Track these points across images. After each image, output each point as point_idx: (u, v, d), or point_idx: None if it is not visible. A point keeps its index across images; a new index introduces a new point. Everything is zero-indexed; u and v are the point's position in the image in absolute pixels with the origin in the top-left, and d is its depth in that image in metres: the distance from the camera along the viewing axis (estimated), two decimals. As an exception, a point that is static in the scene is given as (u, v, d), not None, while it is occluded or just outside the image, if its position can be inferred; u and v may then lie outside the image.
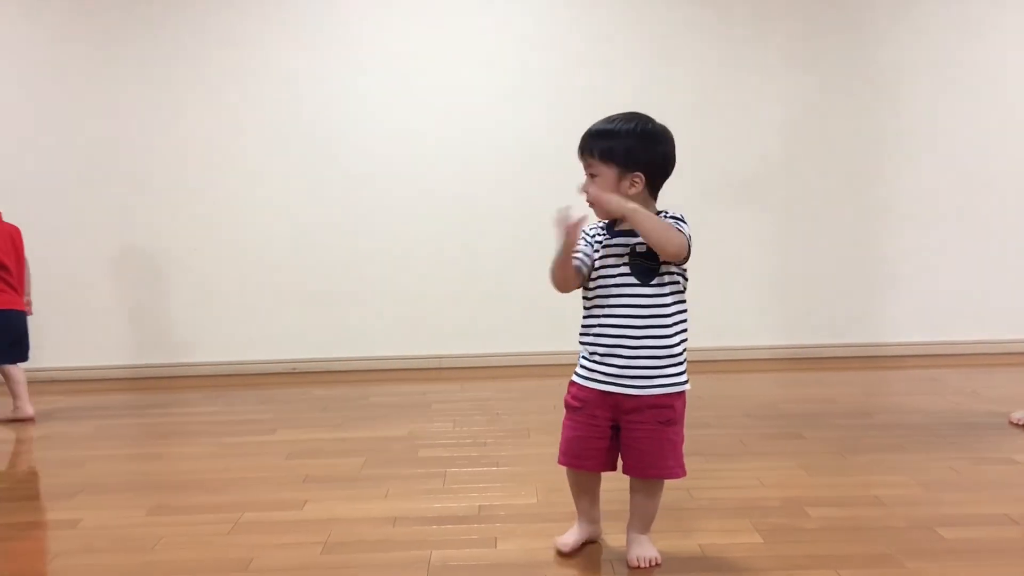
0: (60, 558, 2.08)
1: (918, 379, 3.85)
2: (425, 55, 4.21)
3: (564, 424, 2.00)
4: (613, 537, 2.08)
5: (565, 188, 4.10)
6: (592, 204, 1.90)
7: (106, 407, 3.69)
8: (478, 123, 4.24)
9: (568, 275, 1.93)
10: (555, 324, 4.24)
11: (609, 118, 1.92)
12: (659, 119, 1.93)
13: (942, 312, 4.36)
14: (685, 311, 1.93)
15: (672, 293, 1.89)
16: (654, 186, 1.92)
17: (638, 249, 1.87)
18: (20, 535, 2.24)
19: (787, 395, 3.56)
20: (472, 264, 4.28)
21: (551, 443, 2.86)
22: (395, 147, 4.23)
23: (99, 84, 4.16)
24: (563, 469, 2.01)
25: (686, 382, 1.91)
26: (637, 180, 1.87)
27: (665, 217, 1.87)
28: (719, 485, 2.45)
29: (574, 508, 2.10)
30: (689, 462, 2.24)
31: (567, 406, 1.99)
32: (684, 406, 1.94)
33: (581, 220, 1.85)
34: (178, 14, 4.14)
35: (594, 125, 1.92)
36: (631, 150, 1.87)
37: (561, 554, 2.01)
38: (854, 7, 4.24)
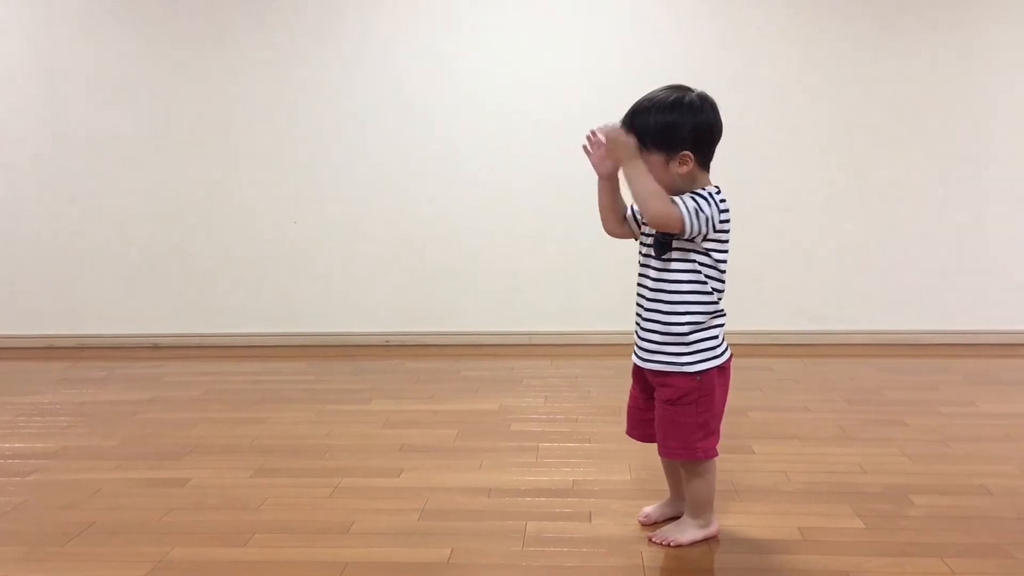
0: (171, 514, 2.17)
1: (1022, 368, 3.71)
2: (526, 31, 4.20)
3: None
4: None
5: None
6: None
7: (210, 372, 3.83)
8: (580, 103, 4.20)
9: (603, 211, 1.97)
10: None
11: (646, 97, 1.83)
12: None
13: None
14: (702, 295, 1.84)
15: (682, 271, 1.83)
16: (705, 158, 1.84)
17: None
18: (133, 491, 2.35)
19: (888, 381, 3.46)
20: (567, 242, 4.27)
21: (645, 421, 2.89)
22: (495, 123, 4.24)
23: (206, 60, 4.28)
24: (654, 447, 1.99)
25: (692, 364, 1.84)
26: (687, 158, 1.79)
27: (694, 192, 1.79)
28: (817, 469, 2.40)
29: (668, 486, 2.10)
30: (786, 445, 2.23)
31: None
32: (697, 388, 1.85)
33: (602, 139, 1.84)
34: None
35: (634, 105, 1.83)
36: (669, 130, 1.78)
37: (642, 524, 2.02)
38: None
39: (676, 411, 1.87)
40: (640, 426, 2.01)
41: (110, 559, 1.93)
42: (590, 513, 2.12)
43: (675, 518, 2.03)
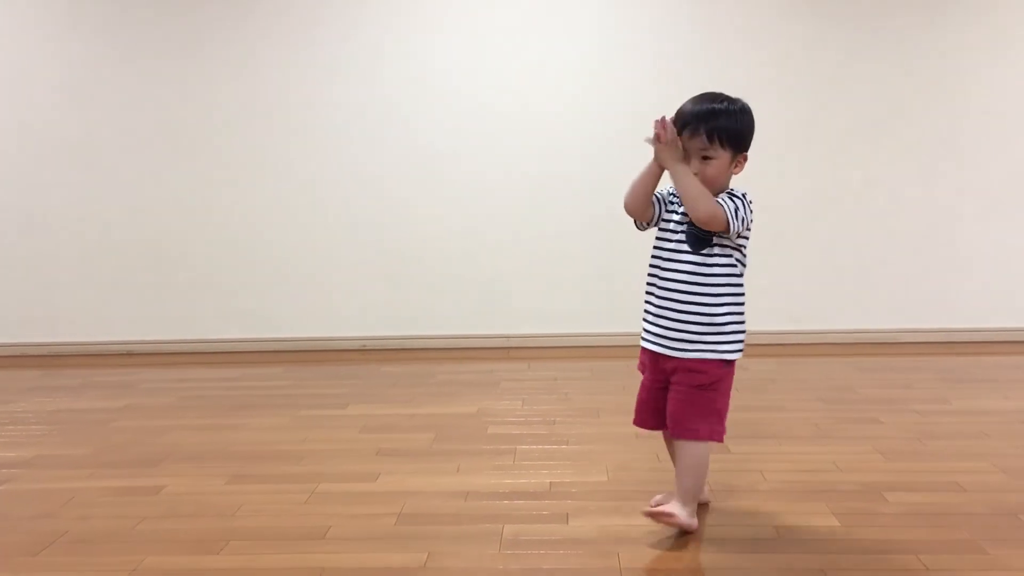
0: (145, 522, 2.15)
1: (998, 366, 3.74)
2: (501, 30, 4.20)
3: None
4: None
5: (635, 172, 4.11)
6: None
7: (185, 379, 3.80)
8: (555, 104, 4.21)
9: (639, 192, 1.96)
10: (622, 306, 4.24)
11: (708, 97, 1.92)
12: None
13: (1017, 297, 4.22)
14: (736, 286, 1.95)
15: (722, 266, 1.92)
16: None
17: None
18: (107, 500, 2.32)
19: (863, 379, 3.48)
20: (544, 245, 4.28)
21: (621, 423, 2.91)
22: (468, 126, 4.24)
23: (174, 64, 4.25)
24: (633, 447, 2.02)
25: (729, 352, 1.94)
26: (742, 160, 1.93)
27: (729, 192, 1.90)
28: (793, 468, 2.42)
29: (645, 487, 2.10)
30: (762, 444, 2.24)
31: (639, 369, 2.10)
32: (726, 375, 1.97)
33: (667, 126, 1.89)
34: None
35: (697, 105, 1.90)
36: (742, 132, 1.90)
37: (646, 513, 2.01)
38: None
39: (706, 396, 1.95)
40: (655, 416, 2.06)
41: (83, 568, 1.91)
42: (567, 515, 2.12)
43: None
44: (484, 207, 4.27)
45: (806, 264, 4.23)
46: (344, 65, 4.22)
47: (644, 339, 2.04)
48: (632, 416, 2.13)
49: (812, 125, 4.17)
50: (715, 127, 1.87)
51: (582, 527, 2.05)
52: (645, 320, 2.03)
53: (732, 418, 2.44)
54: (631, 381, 3.50)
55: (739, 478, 2.33)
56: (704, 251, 1.92)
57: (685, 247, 1.94)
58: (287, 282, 4.35)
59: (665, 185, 1.97)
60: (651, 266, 2.01)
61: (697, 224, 1.89)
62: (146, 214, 4.34)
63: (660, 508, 1.96)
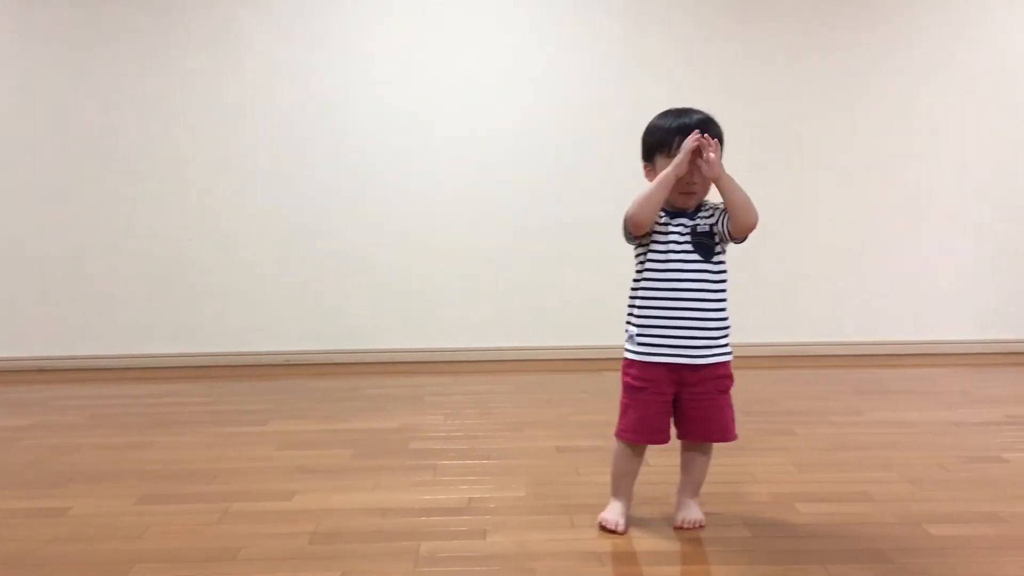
0: (48, 546, 2.07)
1: (910, 378, 3.85)
2: (429, 44, 4.20)
3: (629, 404, 2.10)
4: (598, 530, 2.09)
5: (564, 185, 4.15)
6: (696, 193, 2.02)
7: (99, 396, 3.69)
8: (487, 118, 4.22)
9: (655, 204, 1.99)
10: (549, 319, 4.27)
11: (688, 110, 2.03)
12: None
13: (935, 311, 4.36)
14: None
15: (725, 271, 2.07)
16: None
17: (699, 229, 2.02)
18: (9, 522, 2.23)
19: (782, 392, 3.56)
20: (469, 259, 4.28)
21: (543, 436, 2.92)
22: (393, 140, 4.22)
23: (92, 77, 4.15)
24: (553, 461, 2.02)
25: (731, 351, 2.10)
26: None
27: (718, 207, 2.03)
28: (711, 480, 2.41)
29: (565, 501, 2.11)
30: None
31: (632, 388, 2.08)
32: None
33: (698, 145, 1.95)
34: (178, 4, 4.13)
35: (689, 116, 2.01)
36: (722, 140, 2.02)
37: (618, 533, 2.06)
38: (857, 7, 4.23)
39: (727, 398, 2.10)
40: (665, 429, 2.10)
41: (-23, 596, 1.83)
42: (485, 531, 2.11)
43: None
44: (411, 220, 4.26)
45: (729, 279, 4.29)
46: (271, 71, 4.18)
47: (657, 354, 2.03)
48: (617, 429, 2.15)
49: (737, 144, 4.23)
50: (715, 135, 1.97)
51: (500, 543, 2.04)
52: (655, 336, 2.03)
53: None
54: (555, 395, 3.55)
55: (655, 491, 2.35)
56: (714, 259, 2.03)
57: (695, 256, 2.02)
58: (207, 295, 4.27)
59: None
60: (654, 280, 2.04)
61: (743, 232, 1.99)
62: (59, 227, 4.21)
63: (693, 522, 2.09)
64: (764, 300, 4.30)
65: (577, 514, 2.19)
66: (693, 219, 2.04)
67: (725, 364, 2.07)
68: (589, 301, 4.22)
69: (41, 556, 2.01)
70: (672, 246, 2.03)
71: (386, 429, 3.07)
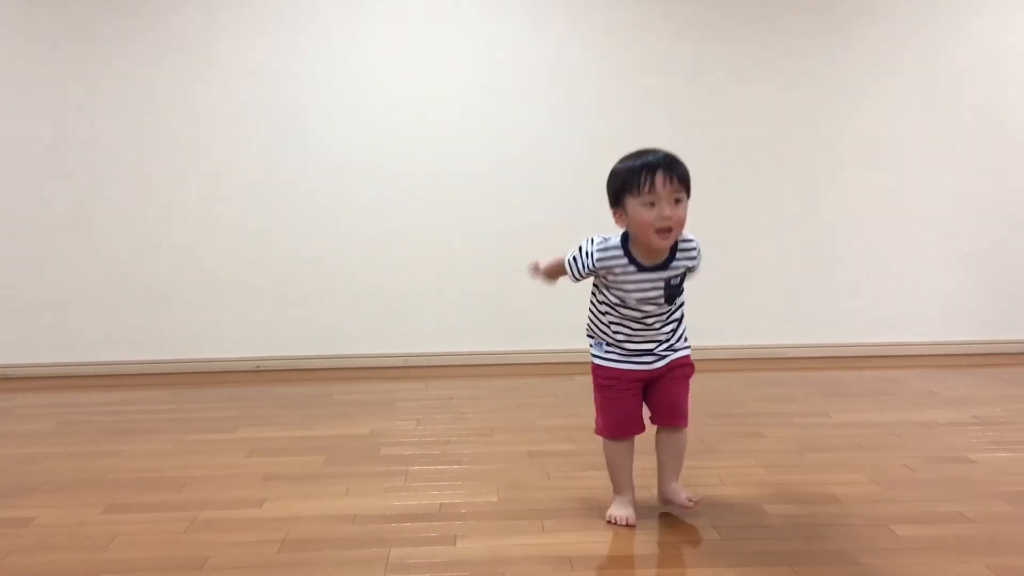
0: (12, 556, 2.04)
1: (876, 379, 3.89)
2: (397, 48, 4.19)
3: (604, 403, 2.19)
4: (574, 534, 2.09)
5: (535, 190, 4.17)
6: (672, 228, 2.01)
7: (65, 404, 3.64)
8: (451, 123, 4.22)
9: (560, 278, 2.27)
10: (521, 325, 4.27)
11: (653, 150, 2.06)
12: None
13: (900, 313, 4.42)
14: None
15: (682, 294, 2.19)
16: None
17: (672, 282, 2.10)
18: (-29, 533, 2.20)
19: (749, 394, 3.59)
20: (440, 264, 4.27)
21: (514, 441, 2.92)
22: (362, 146, 4.21)
23: (54, 79, 4.10)
24: (524, 466, 2.03)
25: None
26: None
27: (687, 240, 2.13)
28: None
29: (536, 505, 2.11)
30: (649, 460, 2.29)
31: (603, 387, 2.18)
32: None
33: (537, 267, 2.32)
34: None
35: (655, 155, 2.03)
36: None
37: (630, 527, 2.13)
38: (815, 8, 4.28)
39: (688, 385, 2.21)
40: (640, 419, 2.20)
41: (-62, 609, 1.80)
42: (455, 536, 2.11)
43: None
44: (380, 225, 4.24)
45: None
46: (237, 75, 4.15)
47: (623, 364, 2.15)
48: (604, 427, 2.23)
49: (698, 148, 4.26)
50: (682, 173, 2.03)
51: (470, 548, 2.04)
52: (623, 353, 2.15)
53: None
54: (528, 399, 3.55)
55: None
56: (676, 301, 2.15)
57: (663, 303, 2.11)
58: (175, 301, 4.22)
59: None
60: (622, 315, 2.12)
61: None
62: (23, 232, 4.15)
63: (691, 502, 2.16)
64: (729, 303, 4.33)
65: (548, 519, 2.20)
66: (665, 272, 2.09)
67: (686, 356, 2.19)
68: (559, 306, 4.21)
69: (4, 567, 1.98)
70: (644, 299, 2.09)
71: (357, 435, 3.05)
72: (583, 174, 4.12)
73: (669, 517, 2.21)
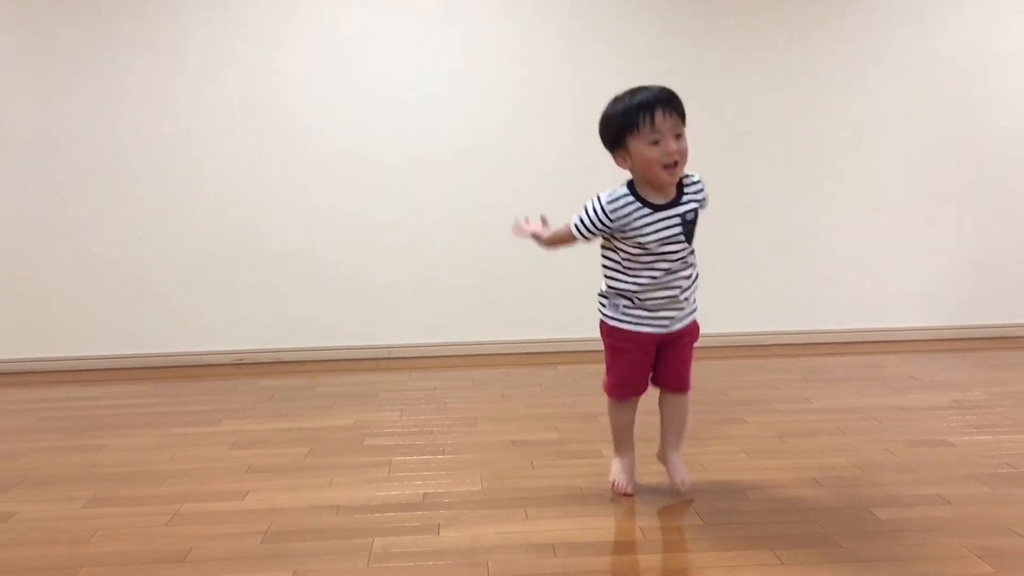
0: (-8, 552, 2.03)
1: (858, 365, 3.92)
2: (372, 40, 4.16)
3: (615, 363, 2.23)
4: (557, 522, 2.10)
5: (516, 183, 4.15)
6: (678, 162, 2.04)
7: (46, 399, 3.61)
8: (429, 114, 4.21)
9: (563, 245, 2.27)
10: (503, 315, 4.27)
11: (648, 86, 2.07)
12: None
13: (880, 299, 4.45)
14: None
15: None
16: None
17: (688, 217, 2.10)
18: (-49, 529, 2.18)
19: (731, 382, 3.60)
20: (422, 255, 4.26)
21: (498, 431, 2.92)
22: (344, 137, 4.19)
23: (31, 72, 4.05)
24: (508, 454, 2.03)
25: None
26: None
27: (690, 176, 2.16)
28: (662, 470, 2.45)
29: (519, 494, 2.13)
30: (636, 448, 2.29)
31: (616, 349, 2.21)
32: None
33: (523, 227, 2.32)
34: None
35: (653, 89, 2.05)
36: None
37: (628, 496, 2.22)
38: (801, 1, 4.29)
39: (692, 350, 2.27)
40: (646, 380, 2.25)
41: (-83, 605, 1.79)
42: (439, 525, 2.11)
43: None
44: (361, 217, 4.23)
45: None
46: (215, 68, 4.11)
47: (641, 326, 2.16)
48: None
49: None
50: (679, 106, 2.05)
51: (453, 537, 2.04)
52: (643, 315, 2.15)
53: (605, 423, 2.51)
54: (511, 389, 3.55)
55: (608, 480, 2.36)
56: (693, 241, 2.14)
57: (684, 243, 2.11)
58: (155, 295, 4.19)
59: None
60: (644, 269, 2.11)
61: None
62: (1, 227, 4.11)
63: (685, 483, 2.22)
64: (711, 290, 4.28)
65: (531, 507, 2.20)
66: (680, 204, 2.10)
67: (695, 321, 2.25)
68: (542, 296, 4.24)
69: (-16, 563, 1.97)
70: (665, 239, 2.08)
71: (340, 427, 3.05)
72: (565, 165, 4.14)
73: (652, 502, 2.22)
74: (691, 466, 2.48)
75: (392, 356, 4.27)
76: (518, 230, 2.32)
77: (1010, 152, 4.43)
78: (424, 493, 2.34)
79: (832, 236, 4.41)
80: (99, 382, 3.94)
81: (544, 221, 2.29)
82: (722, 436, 2.81)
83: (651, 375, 2.26)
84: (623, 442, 2.31)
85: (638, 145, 2.02)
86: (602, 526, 2.08)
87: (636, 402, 2.29)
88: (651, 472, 2.42)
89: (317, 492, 2.37)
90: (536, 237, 2.29)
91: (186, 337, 4.22)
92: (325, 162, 4.19)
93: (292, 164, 4.18)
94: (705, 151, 4.27)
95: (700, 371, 3.75)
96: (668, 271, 2.11)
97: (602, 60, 4.22)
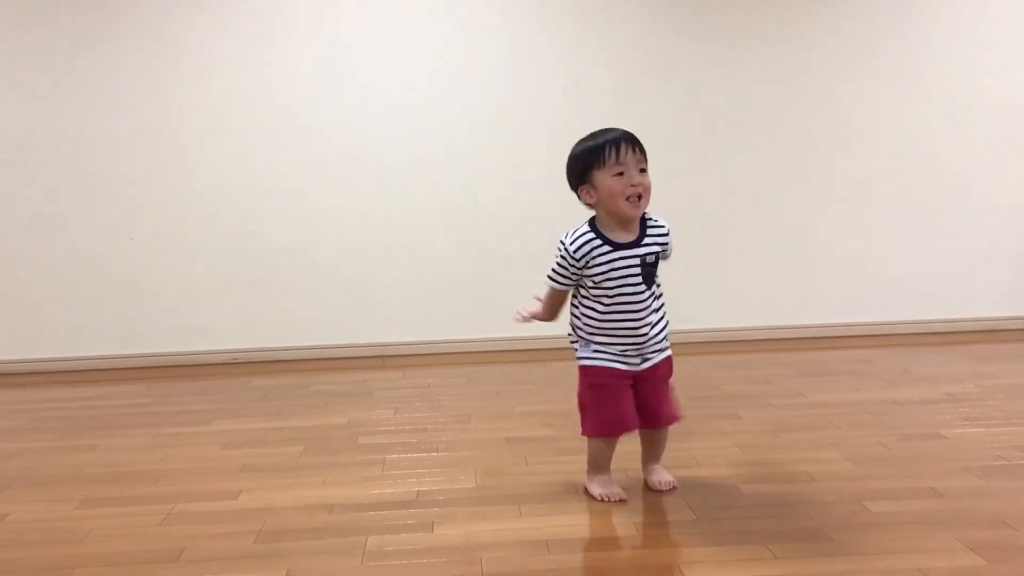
0: (-14, 553, 2.03)
1: (850, 359, 3.92)
2: (363, 40, 4.16)
3: (596, 403, 2.20)
4: (551, 518, 2.10)
5: (509, 181, 4.16)
6: (642, 195, 2.10)
7: (39, 400, 3.61)
8: (425, 113, 4.20)
9: (558, 310, 2.31)
10: (496, 312, 4.23)
11: (611, 128, 2.16)
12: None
13: (873, 293, 4.46)
14: None
15: (660, 283, 2.20)
16: None
17: (648, 260, 2.13)
18: (-56, 531, 2.18)
19: (725, 376, 3.61)
20: (415, 253, 4.25)
21: (492, 428, 2.92)
22: (334, 137, 4.18)
23: (22, 70, 4.04)
24: (502, 452, 2.05)
25: None
26: None
27: (656, 220, 2.21)
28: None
29: (513, 491, 2.14)
30: (628, 443, 2.30)
31: (598, 387, 2.18)
32: None
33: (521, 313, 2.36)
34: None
35: (618, 130, 2.14)
36: None
37: (622, 500, 2.20)
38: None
39: (670, 383, 2.28)
40: (634, 414, 2.20)
41: (-90, 608, 1.78)
42: (433, 523, 2.11)
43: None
44: (355, 216, 4.22)
45: (672, 267, 4.34)
46: (208, 66, 4.10)
47: (615, 363, 2.16)
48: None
49: (673, 133, 4.28)
50: (641, 146, 2.13)
51: (447, 535, 2.04)
52: (611, 353, 2.16)
53: (595, 419, 2.49)
54: (504, 386, 3.56)
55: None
56: (654, 285, 2.16)
57: (642, 286, 2.12)
58: (149, 294, 4.18)
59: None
60: (604, 309, 2.14)
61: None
62: (-7, 227, 4.10)
63: (667, 483, 2.26)
64: (704, 286, 4.35)
65: (525, 504, 2.21)
66: (640, 248, 2.12)
67: (668, 357, 2.24)
68: (535, 293, 4.23)
69: (-22, 565, 1.97)
70: (624, 279, 2.11)
71: (334, 425, 3.05)
72: (558, 162, 4.12)
73: (645, 499, 2.23)
74: (684, 461, 2.49)
75: (386, 354, 4.27)
76: (519, 319, 2.37)
77: (1000, 146, 4.44)
78: (418, 491, 2.34)
79: (823, 230, 4.42)
80: (92, 382, 3.93)
81: (538, 299, 2.34)
82: (715, 431, 2.82)
83: None
84: (602, 467, 2.26)
85: (603, 177, 2.08)
86: (596, 522, 2.09)
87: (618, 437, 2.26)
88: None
89: (311, 491, 2.37)
90: (536, 315, 2.33)
91: (180, 337, 4.21)
92: (319, 161, 4.18)
93: (285, 163, 4.17)
94: (695, 146, 4.31)
95: (694, 366, 3.80)
96: (629, 315, 2.13)
97: (591, 57, 4.22)
